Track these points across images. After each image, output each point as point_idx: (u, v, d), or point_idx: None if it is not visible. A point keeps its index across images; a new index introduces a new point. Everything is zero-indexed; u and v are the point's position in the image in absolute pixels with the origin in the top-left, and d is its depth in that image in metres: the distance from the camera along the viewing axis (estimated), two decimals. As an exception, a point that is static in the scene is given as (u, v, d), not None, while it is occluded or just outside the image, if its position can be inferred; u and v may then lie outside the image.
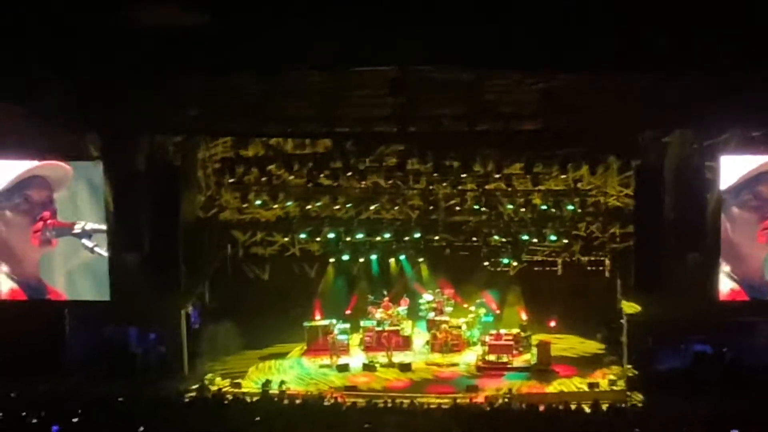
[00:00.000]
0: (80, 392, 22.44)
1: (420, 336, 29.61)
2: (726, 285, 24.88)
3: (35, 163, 25.38)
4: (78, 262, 25.58)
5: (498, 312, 29.88)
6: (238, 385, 25.46)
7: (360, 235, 30.57)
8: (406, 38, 19.74)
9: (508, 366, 27.17)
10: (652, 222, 24.58)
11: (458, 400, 22.94)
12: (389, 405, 21.96)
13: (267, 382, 25.19)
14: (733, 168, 24.36)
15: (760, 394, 21.73)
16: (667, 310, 24.65)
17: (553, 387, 25.73)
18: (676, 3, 18.96)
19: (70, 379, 24.31)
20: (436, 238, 30.94)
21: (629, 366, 25.48)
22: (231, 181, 29.70)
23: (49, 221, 25.36)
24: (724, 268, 24.83)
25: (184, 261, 25.90)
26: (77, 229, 25.33)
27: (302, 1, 19.79)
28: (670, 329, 25.16)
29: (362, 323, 28.98)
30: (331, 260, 31.08)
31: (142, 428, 17.99)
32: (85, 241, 25.32)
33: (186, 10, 19.47)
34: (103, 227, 25.30)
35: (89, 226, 25.33)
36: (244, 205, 30.71)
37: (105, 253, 25.41)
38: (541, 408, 21.31)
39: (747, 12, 19.05)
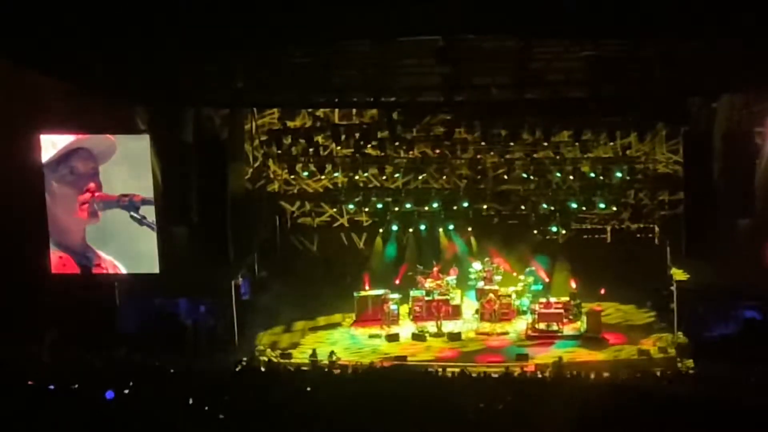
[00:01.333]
0: (132, 363, 22.71)
1: (469, 305, 29.58)
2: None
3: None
4: (127, 234, 25.67)
5: (547, 280, 29.77)
6: (289, 356, 25.55)
7: (408, 205, 30.61)
8: (453, 7, 19.64)
9: (559, 334, 27.14)
10: (702, 189, 24.45)
11: (508, 369, 22.94)
12: (440, 374, 22.02)
13: (314, 353, 25.30)
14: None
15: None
16: (716, 277, 24.54)
17: (604, 355, 25.71)
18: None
19: (122, 351, 24.55)
20: (485, 207, 30.94)
21: (679, 333, 25.40)
22: (278, 152, 29.84)
23: (96, 193, 25.49)
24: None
25: (232, 233, 25.97)
26: (125, 201, 25.41)
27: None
28: (720, 296, 25.05)
29: (411, 293, 29.00)
30: (380, 230, 31.13)
31: (192, 399, 18.10)
32: (133, 213, 25.42)
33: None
34: (151, 199, 25.34)
35: (138, 197, 25.40)
36: (292, 177, 30.88)
37: (153, 225, 25.49)
38: (592, 375, 21.30)
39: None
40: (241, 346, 26.21)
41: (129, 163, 25.27)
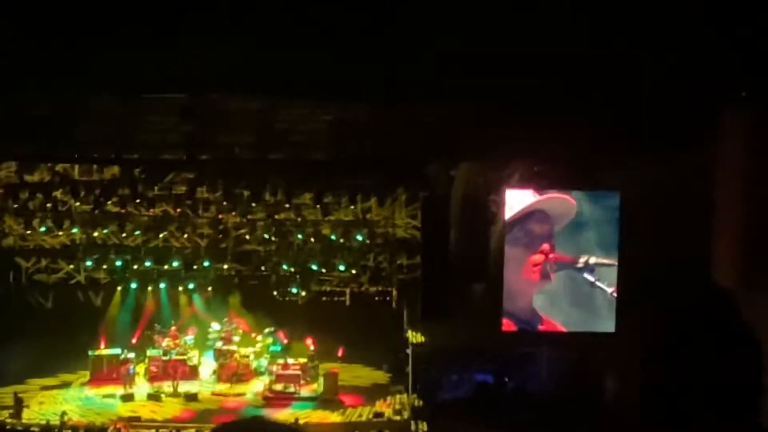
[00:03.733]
0: None
1: (207, 365, 29.43)
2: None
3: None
4: None
5: (286, 341, 29.93)
6: (18, 416, 24.81)
7: (148, 263, 30.28)
8: (198, 65, 19.66)
9: (295, 396, 27.24)
10: (438, 253, 24.96)
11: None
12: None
13: (63, 414, 24.68)
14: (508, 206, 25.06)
15: (541, 421, 22.33)
16: (451, 340, 25.11)
17: (340, 416, 25.92)
18: (469, 36, 19.35)
19: None
20: (226, 267, 30.86)
21: (414, 395, 25.84)
22: (15, 206, 29.04)
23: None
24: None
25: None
26: None
27: (93, 23, 19.51)
28: (454, 359, 25.64)
29: (148, 352, 28.66)
30: (118, 288, 30.67)
31: None
32: None
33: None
34: None
35: None
36: (28, 232, 30.05)
37: None
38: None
39: (532, 45, 19.57)
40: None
41: None
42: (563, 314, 24.70)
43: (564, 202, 24.08)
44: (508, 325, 24.80)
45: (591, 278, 24.28)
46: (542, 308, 24.68)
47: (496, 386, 25.61)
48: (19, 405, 24.70)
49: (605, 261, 24.25)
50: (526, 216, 24.42)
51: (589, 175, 24.19)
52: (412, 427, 24.47)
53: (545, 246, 24.40)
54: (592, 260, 24.27)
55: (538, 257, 24.49)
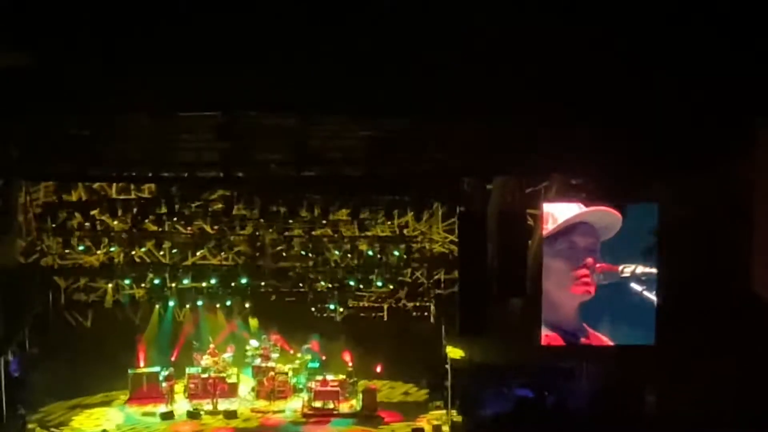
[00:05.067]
0: None
1: (246, 383, 29.42)
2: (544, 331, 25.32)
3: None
4: None
5: (324, 358, 29.86)
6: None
7: (185, 281, 30.31)
8: (233, 83, 19.72)
9: (334, 412, 27.22)
10: (476, 268, 24.83)
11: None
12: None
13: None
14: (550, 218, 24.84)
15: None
16: (490, 355, 25.01)
17: (379, 433, 25.93)
18: (494, 49, 19.31)
19: None
20: (263, 284, 30.83)
21: (453, 411, 25.76)
22: (53, 226, 29.17)
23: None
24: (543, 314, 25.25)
25: (3, 308, 25.19)
26: None
27: (130, 44, 19.62)
28: (493, 374, 25.53)
29: (187, 370, 28.70)
30: (156, 306, 30.71)
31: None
32: None
33: (9, 50, 19.12)
34: None
35: None
36: (67, 251, 30.15)
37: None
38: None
39: (568, 60, 19.52)
40: (10, 424, 25.39)
41: None
42: (608, 326, 24.64)
43: (610, 214, 23.96)
44: (551, 338, 24.73)
45: (638, 288, 24.20)
46: (587, 320, 24.63)
47: (536, 401, 25.46)
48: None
49: (646, 271, 24.13)
50: (571, 228, 24.33)
51: (628, 189, 24.07)
52: (453, 443, 24.45)
53: (589, 259, 24.30)
54: (637, 271, 24.17)
55: (583, 270, 24.40)
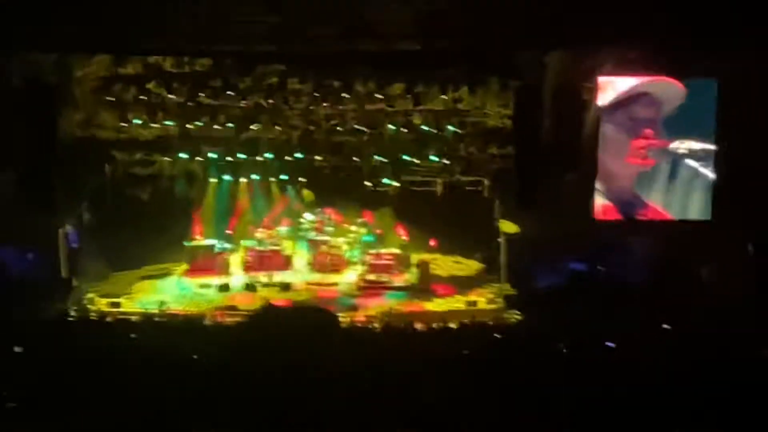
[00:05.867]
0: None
1: (301, 256, 29.65)
2: (599, 203, 25.27)
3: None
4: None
5: (379, 232, 30.00)
6: (118, 305, 25.32)
7: (240, 155, 30.41)
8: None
9: (388, 285, 27.40)
10: (531, 143, 24.75)
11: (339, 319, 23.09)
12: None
13: (161, 303, 25.21)
14: (609, 89, 24.58)
15: (630, 310, 22.20)
16: (544, 229, 24.97)
17: (433, 305, 26.05)
18: None
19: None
20: (317, 158, 30.89)
21: (507, 284, 25.88)
22: (109, 99, 29.30)
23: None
24: (599, 187, 25.17)
25: (61, 180, 25.41)
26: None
27: None
28: (547, 248, 25.53)
29: (243, 243, 28.95)
30: (212, 180, 30.88)
31: (18, 348, 17.78)
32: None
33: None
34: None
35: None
36: (123, 125, 30.30)
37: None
38: (420, 326, 21.55)
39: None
40: (70, 295, 25.85)
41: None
42: (664, 200, 24.59)
43: (673, 85, 23.77)
44: (607, 210, 24.75)
45: (694, 164, 24.06)
46: (644, 193, 24.60)
47: (589, 275, 25.47)
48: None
49: (704, 147, 23.97)
50: (632, 99, 24.19)
51: (687, 63, 23.77)
52: (506, 316, 24.54)
53: (648, 131, 24.16)
54: (694, 146, 24.00)
55: (642, 141, 24.28)
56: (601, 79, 24.32)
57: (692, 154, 24.60)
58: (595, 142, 24.69)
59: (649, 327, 17.40)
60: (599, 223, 25.25)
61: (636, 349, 15.21)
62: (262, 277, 27.95)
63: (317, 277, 28.23)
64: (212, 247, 28.77)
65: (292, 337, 13.60)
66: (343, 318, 23.65)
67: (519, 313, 24.40)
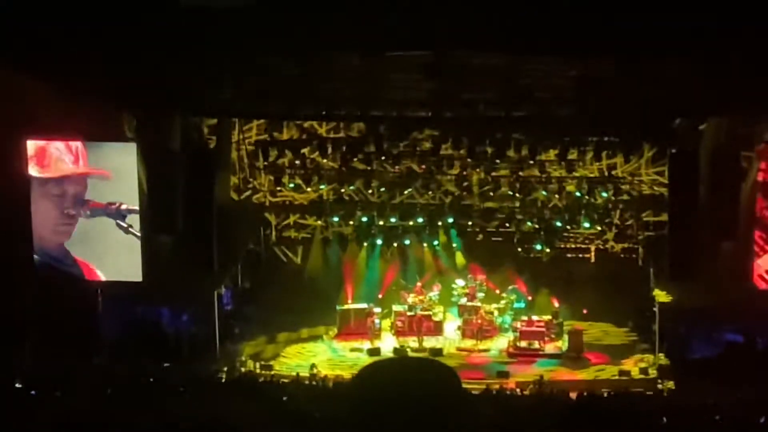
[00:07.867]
0: (112, 371, 22.63)
1: (452, 321, 29.57)
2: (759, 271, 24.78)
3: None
4: (110, 241, 25.46)
5: (530, 298, 29.74)
6: (269, 368, 25.54)
7: (393, 220, 30.60)
8: (442, 22, 19.69)
9: (540, 352, 27.15)
10: (686, 210, 24.37)
11: (489, 386, 22.95)
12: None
13: (312, 366, 25.49)
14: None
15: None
16: (699, 298, 24.55)
17: (585, 374, 25.74)
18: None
19: (103, 358, 24.50)
20: (470, 223, 30.91)
21: (661, 354, 25.46)
22: (265, 163, 29.83)
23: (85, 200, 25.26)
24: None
25: (217, 242, 25.81)
26: (111, 209, 25.18)
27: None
28: (703, 318, 25.08)
29: (394, 307, 28.99)
30: (364, 244, 31.09)
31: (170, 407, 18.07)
32: (120, 221, 25.20)
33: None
34: (136, 208, 25.13)
35: (124, 206, 25.15)
36: (278, 188, 30.79)
37: (138, 233, 25.28)
38: (573, 395, 21.32)
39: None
40: (223, 356, 26.20)
41: (116, 172, 25.08)
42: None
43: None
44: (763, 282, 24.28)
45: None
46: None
47: (746, 346, 24.93)
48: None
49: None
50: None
51: None
52: (659, 386, 24.13)
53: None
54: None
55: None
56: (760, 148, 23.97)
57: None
58: (753, 212, 24.25)
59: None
60: (759, 292, 24.69)
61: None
62: (413, 341, 27.92)
63: (468, 343, 28.08)
64: (363, 310, 28.84)
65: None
66: (494, 384, 23.62)
67: (673, 383, 23.97)
